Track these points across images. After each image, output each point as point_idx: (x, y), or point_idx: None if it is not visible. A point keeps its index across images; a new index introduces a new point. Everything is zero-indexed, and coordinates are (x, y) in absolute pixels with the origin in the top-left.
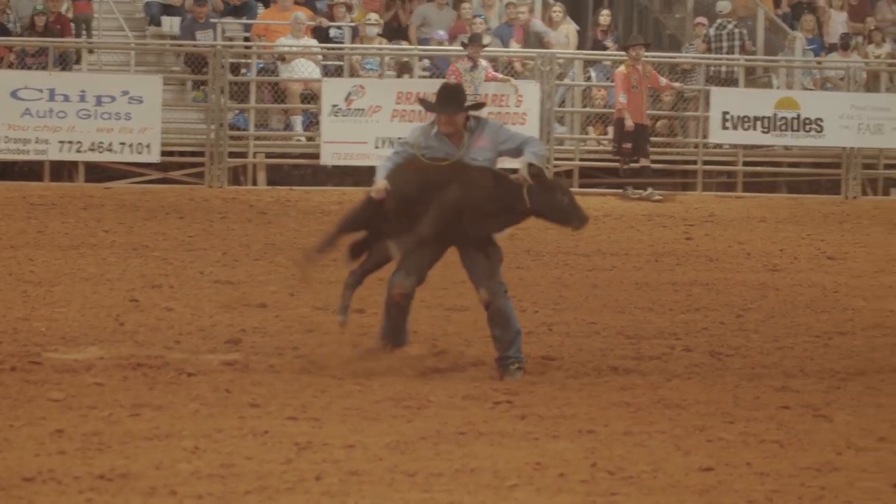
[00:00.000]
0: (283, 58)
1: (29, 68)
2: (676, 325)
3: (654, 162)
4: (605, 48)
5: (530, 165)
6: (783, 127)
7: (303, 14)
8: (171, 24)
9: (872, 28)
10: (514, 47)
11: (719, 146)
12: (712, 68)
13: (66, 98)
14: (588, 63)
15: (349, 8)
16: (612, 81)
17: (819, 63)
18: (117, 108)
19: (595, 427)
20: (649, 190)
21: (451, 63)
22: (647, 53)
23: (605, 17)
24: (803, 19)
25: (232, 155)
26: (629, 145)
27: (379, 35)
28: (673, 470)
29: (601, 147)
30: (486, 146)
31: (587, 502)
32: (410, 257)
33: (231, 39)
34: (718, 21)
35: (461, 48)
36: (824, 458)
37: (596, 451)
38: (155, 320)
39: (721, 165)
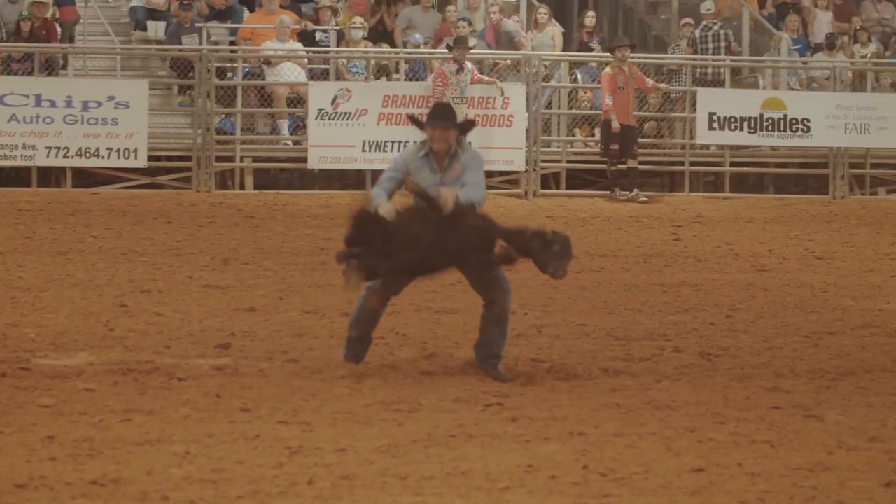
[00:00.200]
0: (268, 62)
1: (15, 74)
2: (666, 327)
3: (641, 163)
4: (590, 50)
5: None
6: (770, 127)
7: (288, 18)
8: (156, 28)
9: (858, 28)
10: (484, 47)
11: (706, 147)
12: (699, 70)
13: (53, 104)
14: (574, 65)
15: (334, 12)
16: (598, 83)
17: (805, 63)
18: (104, 113)
19: (586, 429)
20: (635, 191)
21: (438, 66)
22: (632, 55)
23: (590, 18)
24: (788, 19)
25: (219, 159)
26: (616, 147)
27: (364, 38)
28: (664, 471)
29: (588, 149)
30: (458, 177)
31: None
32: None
33: (217, 44)
34: (704, 23)
35: (447, 51)
36: (815, 458)
37: (587, 453)
38: (144, 325)
39: (708, 166)
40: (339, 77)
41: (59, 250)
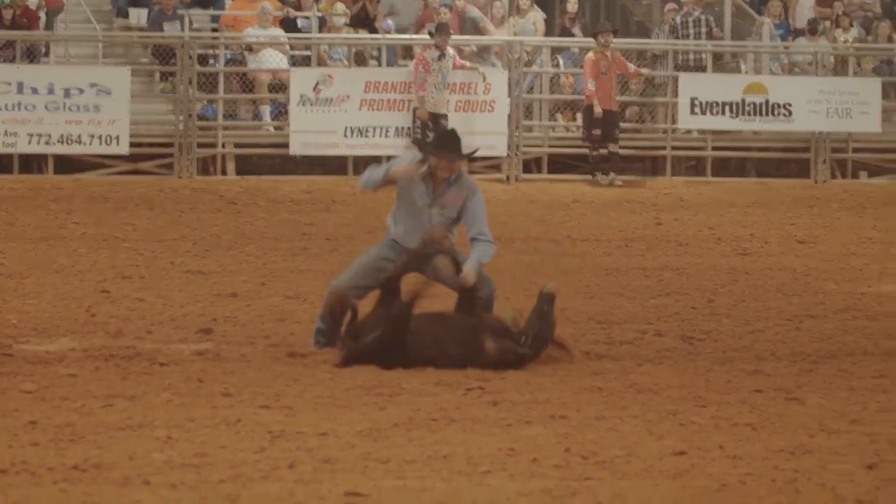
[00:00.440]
0: (250, 48)
1: None
2: (647, 310)
3: (623, 148)
4: (572, 35)
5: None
6: (752, 112)
7: (270, 4)
8: (138, 15)
9: (840, 13)
10: None
11: (688, 132)
12: (680, 55)
13: (35, 91)
14: (556, 50)
15: None
16: (580, 68)
17: (787, 48)
18: (85, 100)
19: (567, 412)
20: (611, 175)
21: (419, 52)
22: (615, 40)
23: (572, 4)
24: (770, 4)
25: (201, 145)
26: (598, 132)
27: (346, 25)
28: (646, 454)
29: (570, 134)
30: (456, 205)
31: (561, 487)
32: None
33: (198, 30)
34: (685, 9)
35: (429, 37)
36: (797, 440)
37: (569, 437)
38: (126, 311)
39: (690, 151)
40: (320, 63)
41: (42, 237)
